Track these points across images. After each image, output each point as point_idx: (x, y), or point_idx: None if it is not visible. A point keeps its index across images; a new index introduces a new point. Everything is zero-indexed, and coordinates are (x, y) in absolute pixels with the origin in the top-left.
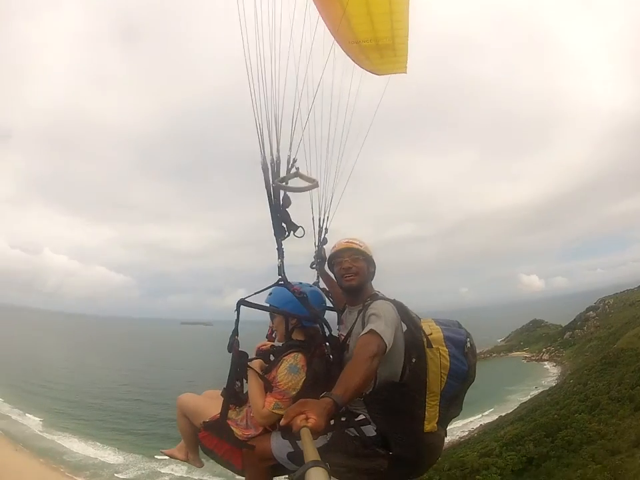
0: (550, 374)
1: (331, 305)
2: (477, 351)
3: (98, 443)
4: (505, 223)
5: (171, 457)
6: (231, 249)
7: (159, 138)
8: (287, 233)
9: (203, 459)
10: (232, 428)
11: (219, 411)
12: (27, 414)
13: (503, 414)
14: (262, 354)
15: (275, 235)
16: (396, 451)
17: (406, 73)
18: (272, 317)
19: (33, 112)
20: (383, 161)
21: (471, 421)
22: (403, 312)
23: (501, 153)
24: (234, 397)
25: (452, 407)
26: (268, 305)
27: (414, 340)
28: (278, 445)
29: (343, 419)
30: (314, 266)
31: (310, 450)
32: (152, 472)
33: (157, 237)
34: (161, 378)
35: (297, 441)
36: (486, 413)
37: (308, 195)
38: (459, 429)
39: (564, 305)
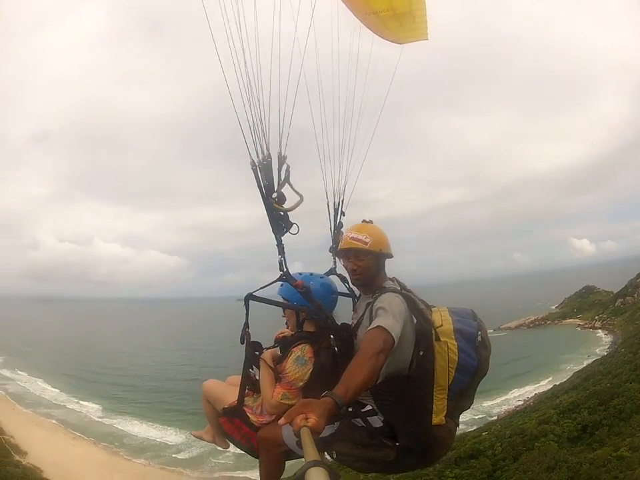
0: (603, 342)
1: (347, 292)
2: (533, 318)
3: (158, 425)
4: (552, 185)
5: (199, 438)
6: None
7: (197, 123)
8: (284, 230)
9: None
10: (248, 414)
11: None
12: (83, 402)
13: (557, 383)
14: (279, 342)
15: (273, 232)
16: (402, 442)
17: (427, 39)
18: (283, 309)
19: (67, 113)
20: (429, 124)
21: (527, 390)
22: (411, 304)
23: (540, 111)
24: (250, 383)
25: (462, 400)
26: (276, 299)
27: (423, 332)
28: (289, 433)
29: (350, 409)
30: (331, 251)
31: (310, 450)
32: (213, 449)
33: (207, 218)
34: (219, 356)
35: None
36: (543, 382)
37: (321, 180)
38: (515, 398)
39: (615, 270)
